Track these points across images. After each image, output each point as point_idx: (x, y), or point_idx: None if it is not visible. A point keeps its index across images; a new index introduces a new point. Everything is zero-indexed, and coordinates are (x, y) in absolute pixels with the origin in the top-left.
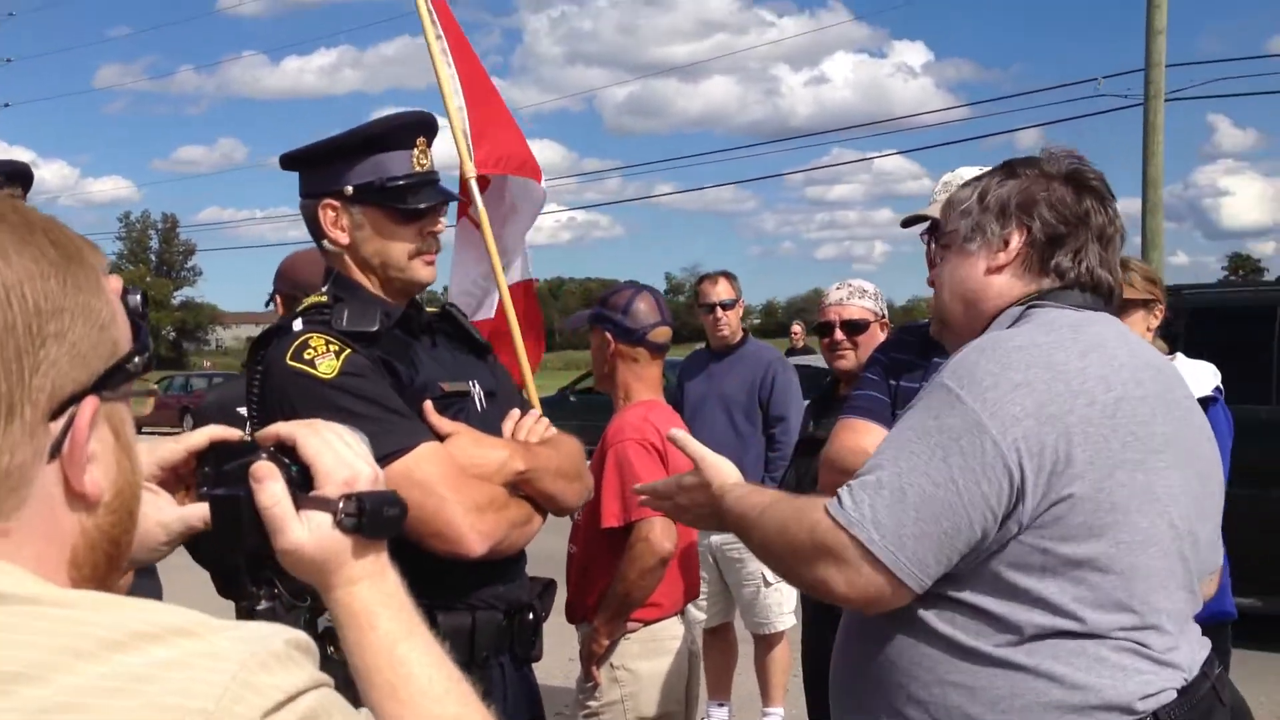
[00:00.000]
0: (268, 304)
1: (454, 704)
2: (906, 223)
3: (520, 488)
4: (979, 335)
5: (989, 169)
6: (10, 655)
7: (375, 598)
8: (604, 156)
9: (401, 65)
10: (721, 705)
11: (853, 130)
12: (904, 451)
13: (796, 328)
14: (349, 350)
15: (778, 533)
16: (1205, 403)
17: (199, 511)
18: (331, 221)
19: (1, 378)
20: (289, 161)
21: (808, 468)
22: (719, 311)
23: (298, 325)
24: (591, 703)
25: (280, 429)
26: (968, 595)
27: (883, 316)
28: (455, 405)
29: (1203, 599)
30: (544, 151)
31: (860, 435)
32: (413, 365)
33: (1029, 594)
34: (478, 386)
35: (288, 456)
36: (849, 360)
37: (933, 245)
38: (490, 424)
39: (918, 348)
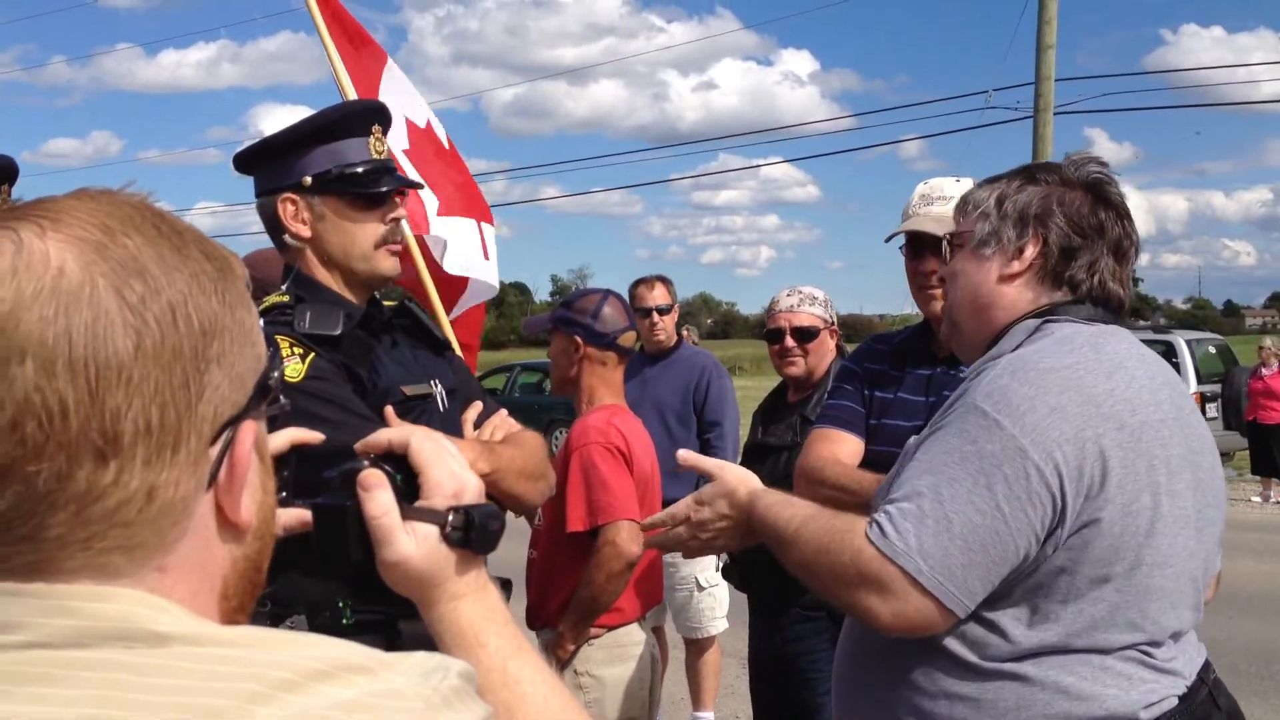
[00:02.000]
0: None
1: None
2: (893, 238)
3: (485, 489)
4: (987, 344)
5: (1008, 171)
6: (182, 702)
7: (481, 613)
8: (490, 158)
9: (285, 61)
10: None
11: (740, 137)
12: (944, 478)
13: (685, 331)
14: (313, 354)
15: (818, 553)
16: None
17: (286, 519)
18: (291, 215)
19: (170, 406)
20: (242, 161)
21: (757, 472)
22: (655, 316)
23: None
24: None
25: (392, 435)
26: (982, 610)
27: (832, 324)
28: (418, 409)
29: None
30: None
31: (835, 445)
32: (374, 369)
33: (1045, 612)
34: (439, 385)
35: (390, 464)
36: (799, 367)
37: (944, 247)
38: (452, 423)
39: (890, 358)
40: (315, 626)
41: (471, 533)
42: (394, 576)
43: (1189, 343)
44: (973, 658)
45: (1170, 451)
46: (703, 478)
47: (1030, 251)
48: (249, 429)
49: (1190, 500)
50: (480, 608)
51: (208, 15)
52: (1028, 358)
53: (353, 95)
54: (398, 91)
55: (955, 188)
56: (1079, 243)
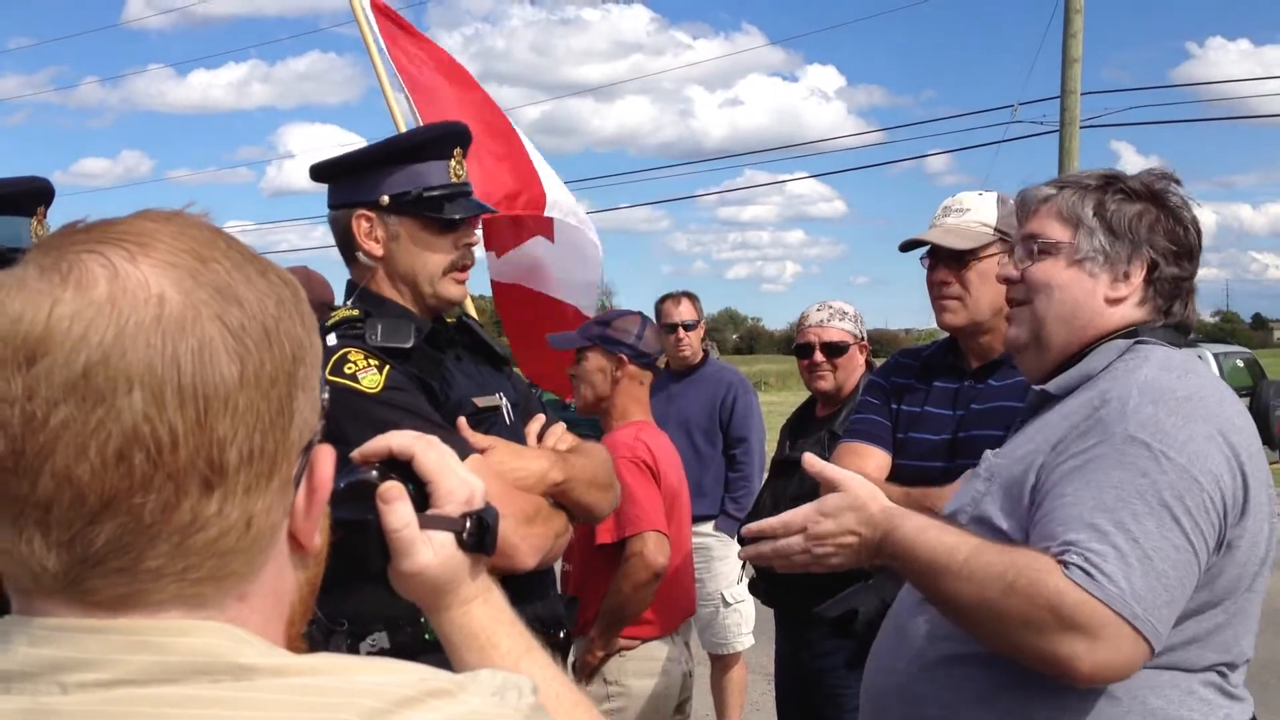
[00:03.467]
0: None
1: (584, 716)
2: (905, 246)
3: (557, 498)
4: (1069, 360)
5: (1087, 173)
6: None
7: (491, 615)
8: None
9: (314, 81)
10: None
11: (766, 152)
12: (1126, 514)
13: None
14: (389, 366)
15: (1001, 593)
16: None
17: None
18: (366, 233)
19: (270, 433)
20: (320, 172)
21: (784, 489)
22: (681, 332)
23: (331, 340)
24: None
25: (392, 443)
26: None
27: (862, 339)
28: (488, 420)
29: None
30: None
31: (862, 459)
32: (446, 381)
33: None
34: (504, 399)
35: (396, 472)
36: (828, 381)
37: (1018, 249)
38: (518, 437)
39: (918, 372)
40: (396, 643)
41: (485, 536)
42: (409, 585)
43: (1217, 356)
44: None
45: (1266, 478)
46: (728, 495)
47: (1137, 274)
48: (326, 453)
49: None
50: (490, 609)
51: (238, 36)
52: (1159, 385)
53: (405, 112)
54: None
55: (976, 201)
56: (1182, 272)
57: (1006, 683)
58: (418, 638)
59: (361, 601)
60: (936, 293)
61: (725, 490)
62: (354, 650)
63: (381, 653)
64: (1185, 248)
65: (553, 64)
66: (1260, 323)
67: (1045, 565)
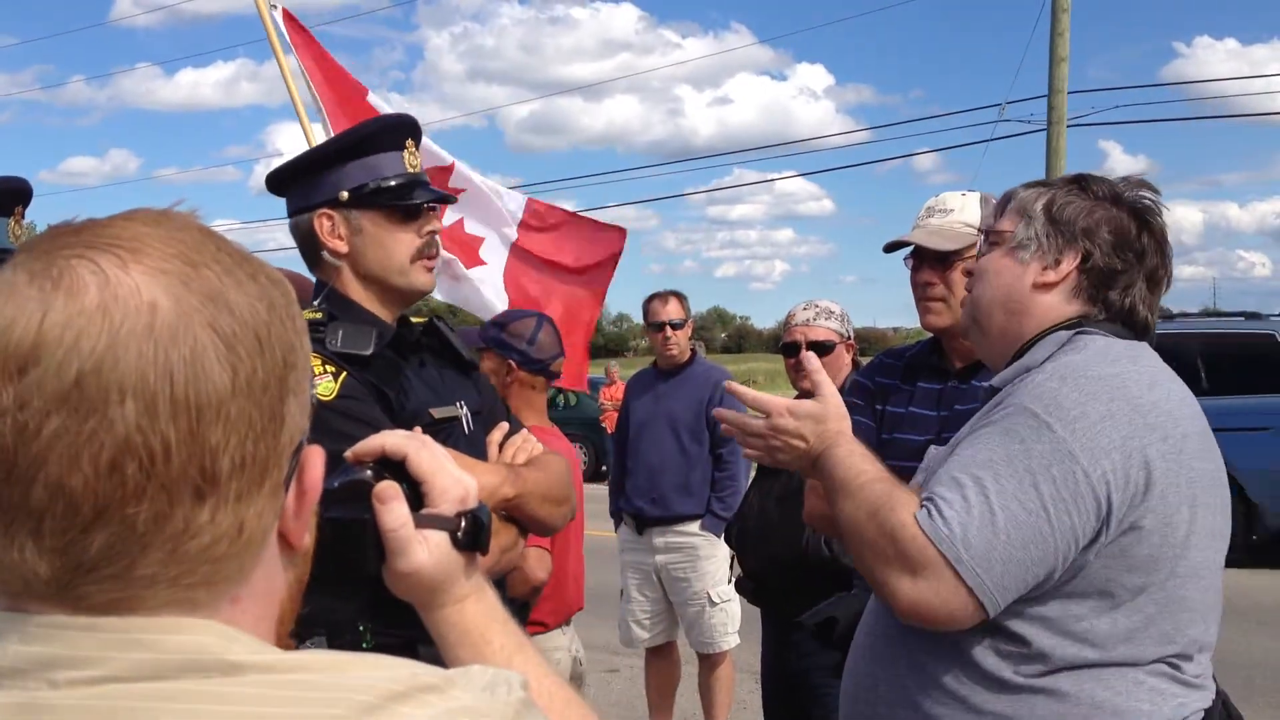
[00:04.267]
0: None
1: (576, 713)
2: (889, 247)
3: (508, 512)
4: (1011, 348)
5: (1061, 177)
6: None
7: (484, 613)
8: (505, 174)
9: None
10: None
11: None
12: (990, 474)
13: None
14: (344, 373)
15: (868, 515)
16: None
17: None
18: (329, 231)
19: (261, 440)
20: (276, 181)
21: (770, 488)
22: (669, 331)
23: None
24: None
25: (386, 442)
26: (1016, 624)
27: (848, 338)
28: (444, 432)
29: None
30: None
31: None
32: (403, 391)
33: (1081, 624)
34: (465, 407)
35: (390, 471)
36: (808, 381)
37: (922, 268)
38: (477, 445)
39: (902, 372)
40: (335, 649)
41: (480, 535)
42: (404, 585)
43: None
44: (1006, 673)
45: (1203, 466)
46: (714, 494)
47: (1068, 263)
48: (316, 454)
49: (1218, 517)
50: (483, 607)
51: (226, 34)
52: (1075, 365)
53: (317, 129)
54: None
55: (959, 201)
56: (1119, 264)
57: (962, 679)
58: (356, 645)
59: (304, 605)
60: (921, 294)
61: (712, 490)
62: None
63: None
64: (1130, 245)
65: (541, 62)
66: None
67: (906, 502)
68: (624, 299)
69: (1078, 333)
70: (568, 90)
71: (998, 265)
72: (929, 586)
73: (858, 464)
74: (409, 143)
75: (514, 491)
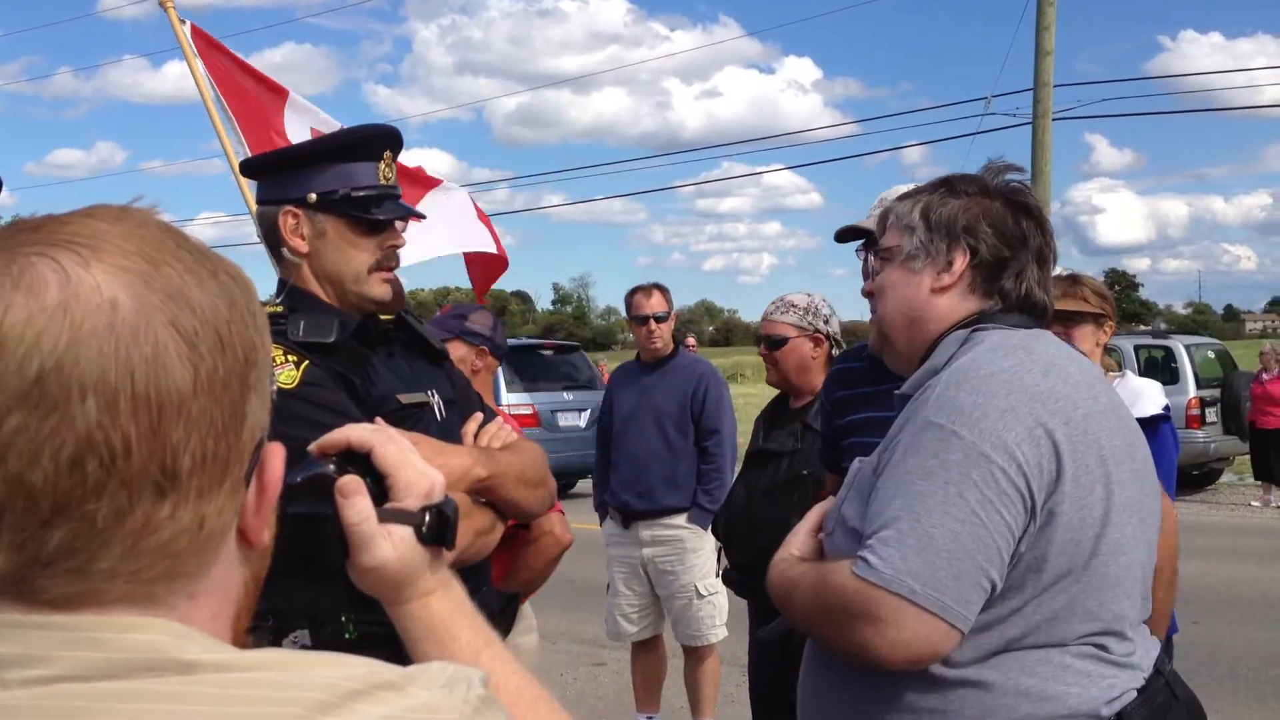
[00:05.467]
0: None
1: (545, 710)
2: (841, 236)
3: (483, 495)
4: (920, 355)
5: (927, 183)
6: None
7: (450, 608)
8: (493, 166)
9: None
10: (650, 718)
11: (743, 144)
12: (913, 497)
13: (690, 340)
14: (307, 361)
15: (814, 601)
16: (1155, 420)
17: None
18: (291, 229)
19: (222, 437)
20: (250, 168)
21: (757, 481)
22: (652, 324)
23: None
24: None
25: (351, 435)
26: None
27: (814, 330)
28: (413, 417)
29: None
30: (433, 161)
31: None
32: (368, 378)
33: (1010, 608)
34: (436, 395)
35: (355, 465)
36: (772, 375)
37: (869, 259)
38: (451, 433)
39: (864, 375)
40: (318, 641)
41: (446, 530)
42: (369, 580)
43: (1188, 348)
44: (936, 667)
45: (1113, 442)
46: (700, 487)
47: (960, 263)
48: (277, 451)
49: (1133, 490)
50: (449, 602)
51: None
52: (966, 367)
53: (233, 139)
54: (301, 117)
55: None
56: (1007, 254)
57: (897, 678)
58: (339, 635)
59: (285, 597)
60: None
61: (698, 482)
62: (276, 646)
63: (304, 649)
64: (1012, 231)
65: (530, 55)
66: (1232, 314)
67: (838, 566)
68: (611, 292)
69: (974, 330)
70: (556, 83)
71: (894, 279)
72: (893, 627)
73: (785, 573)
74: (387, 154)
75: (487, 472)
